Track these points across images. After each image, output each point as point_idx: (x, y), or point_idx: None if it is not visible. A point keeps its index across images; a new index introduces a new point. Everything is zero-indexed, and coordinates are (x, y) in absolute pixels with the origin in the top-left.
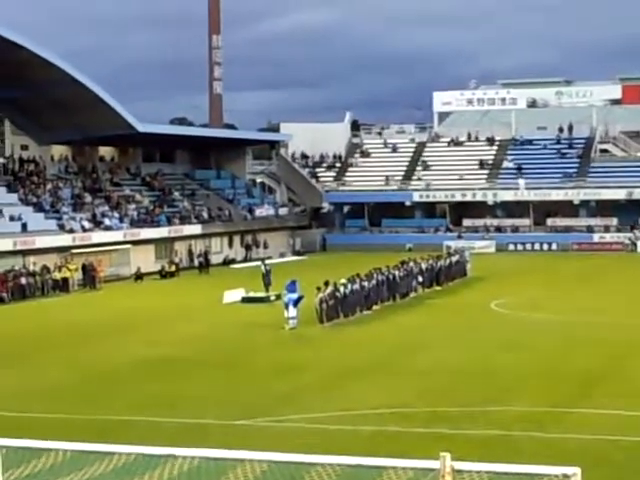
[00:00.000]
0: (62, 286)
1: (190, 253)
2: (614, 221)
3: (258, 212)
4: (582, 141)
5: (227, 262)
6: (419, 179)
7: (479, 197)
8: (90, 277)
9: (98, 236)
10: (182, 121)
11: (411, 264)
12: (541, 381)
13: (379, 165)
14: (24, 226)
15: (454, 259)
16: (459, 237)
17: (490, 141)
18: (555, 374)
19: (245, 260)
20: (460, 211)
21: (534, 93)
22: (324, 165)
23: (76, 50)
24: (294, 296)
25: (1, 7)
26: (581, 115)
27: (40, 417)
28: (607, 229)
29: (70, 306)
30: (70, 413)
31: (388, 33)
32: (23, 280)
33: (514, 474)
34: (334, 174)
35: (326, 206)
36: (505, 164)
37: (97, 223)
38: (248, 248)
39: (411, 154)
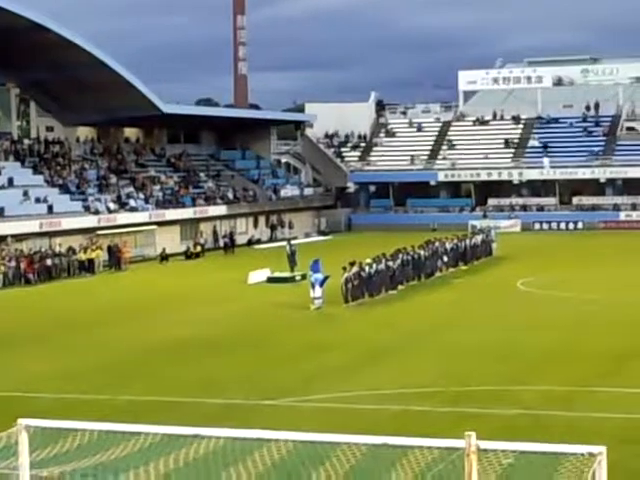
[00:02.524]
0: (88, 267)
1: (215, 234)
2: None
3: (283, 192)
4: (608, 119)
5: (252, 242)
6: (444, 158)
7: (504, 176)
8: (115, 258)
9: (123, 217)
10: (207, 102)
11: (436, 244)
12: (568, 360)
13: (404, 145)
14: (50, 208)
15: (479, 238)
16: (484, 216)
17: (516, 120)
18: (582, 353)
19: (270, 240)
20: (485, 190)
21: (560, 71)
22: (349, 145)
23: (101, 33)
24: (320, 276)
25: None
26: (607, 93)
27: (66, 398)
28: (634, 207)
29: (96, 287)
30: (96, 394)
31: (413, 12)
32: (49, 261)
33: (540, 453)
34: (359, 154)
35: (351, 186)
36: (531, 143)
37: (122, 204)
38: (273, 228)
39: (436, 133)
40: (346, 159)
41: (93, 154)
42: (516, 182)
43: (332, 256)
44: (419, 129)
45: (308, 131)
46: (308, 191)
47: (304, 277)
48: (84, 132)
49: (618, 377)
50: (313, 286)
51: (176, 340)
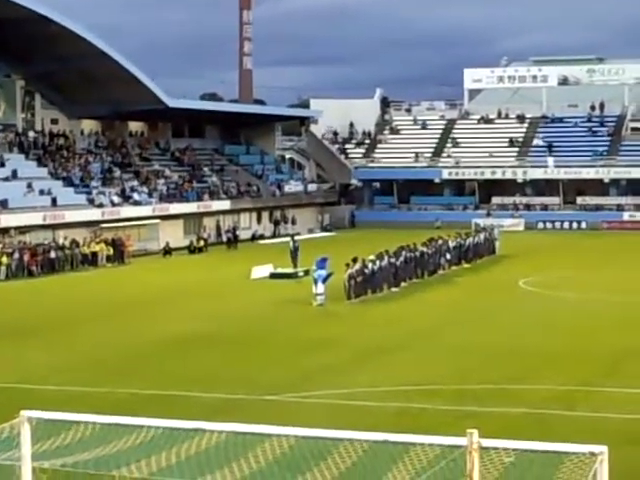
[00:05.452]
0: (91, 260)
1: (218, 228)
2: None
3: (287, 188)
4: (613, 119)
5: (255, 238)
6: (448, 156)
7: (509, 175)
8: (118, 252)
9: (127, 211)
10: (212, 97)
11: (439, 241)
12: (570, 360)
13: (408, 142)
14: (54, 200)
15: (482, 237)
16: (488, 215)
17: (520, 119)
18: (584, 353)
19: (273, 236)
20: (489, 189)
21: (565, 70)
22: (353, 141)
23: (106, 26)
24: (323, 272)
25: None
26: (613, 93)
27: (68, 390)
28: (637, 208)
29: (99, 280)
30: (98, 387)
31: (419, 10)
32: (52, 254)
33: (541, 452)
34: (363, 151)
35: (355, 182)
36: (535, 142)
37: (126, 198)
38: (277, 224)
39: (441, 131)
40: (350, 156)
41: (97, 147)
42: (520, 181)
43: (335, 252)
44: (424, 127)
45: (313, 127)
46: (312, 187)
47: (307, 273)
48: (89, 125)
49: (620, 377)
50: (316, 282)
51: (178, 334)
